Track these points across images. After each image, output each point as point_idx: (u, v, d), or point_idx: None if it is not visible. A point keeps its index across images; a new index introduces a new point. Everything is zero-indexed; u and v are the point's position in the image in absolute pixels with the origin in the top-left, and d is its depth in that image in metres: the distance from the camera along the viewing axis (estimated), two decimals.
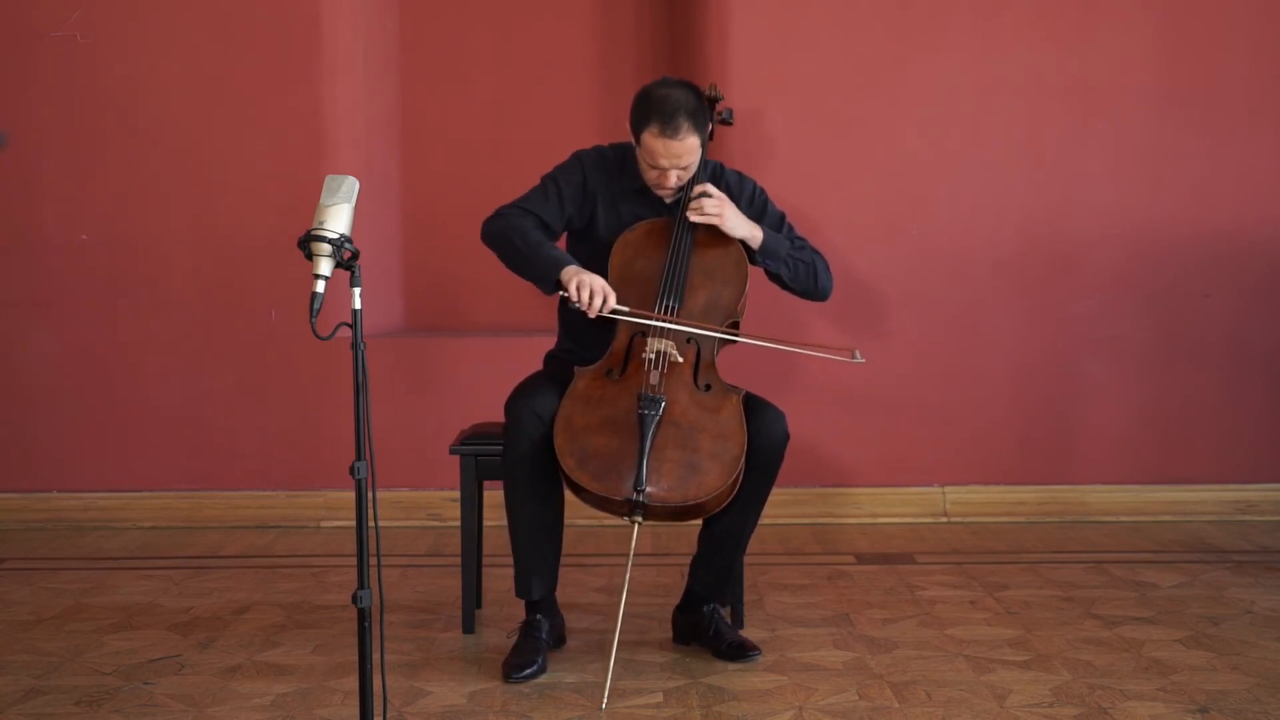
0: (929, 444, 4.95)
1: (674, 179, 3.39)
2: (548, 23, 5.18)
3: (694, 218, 3.38)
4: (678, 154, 3.34)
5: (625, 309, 3.30)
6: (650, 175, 3.42)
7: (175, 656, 3.46)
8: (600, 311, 3.26)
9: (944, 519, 4.94)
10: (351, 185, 2.69)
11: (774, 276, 3.52)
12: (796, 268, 3.48)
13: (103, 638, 3.62)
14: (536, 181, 3.54)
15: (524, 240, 3.39)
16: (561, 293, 3.32)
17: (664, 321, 3.32)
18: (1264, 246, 4.89)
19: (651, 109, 3.33)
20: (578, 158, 3.54)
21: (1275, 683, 3.21)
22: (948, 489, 4.96)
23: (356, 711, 2.79)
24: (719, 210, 3.38)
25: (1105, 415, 4.95)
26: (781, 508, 4.84)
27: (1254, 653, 3.42)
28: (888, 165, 4.90)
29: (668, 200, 3.48)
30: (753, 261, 3.46)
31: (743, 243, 3.44)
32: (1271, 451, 4.95)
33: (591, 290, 3.26)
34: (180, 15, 4.84)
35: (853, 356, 3.40)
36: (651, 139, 3.33)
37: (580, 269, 3.31)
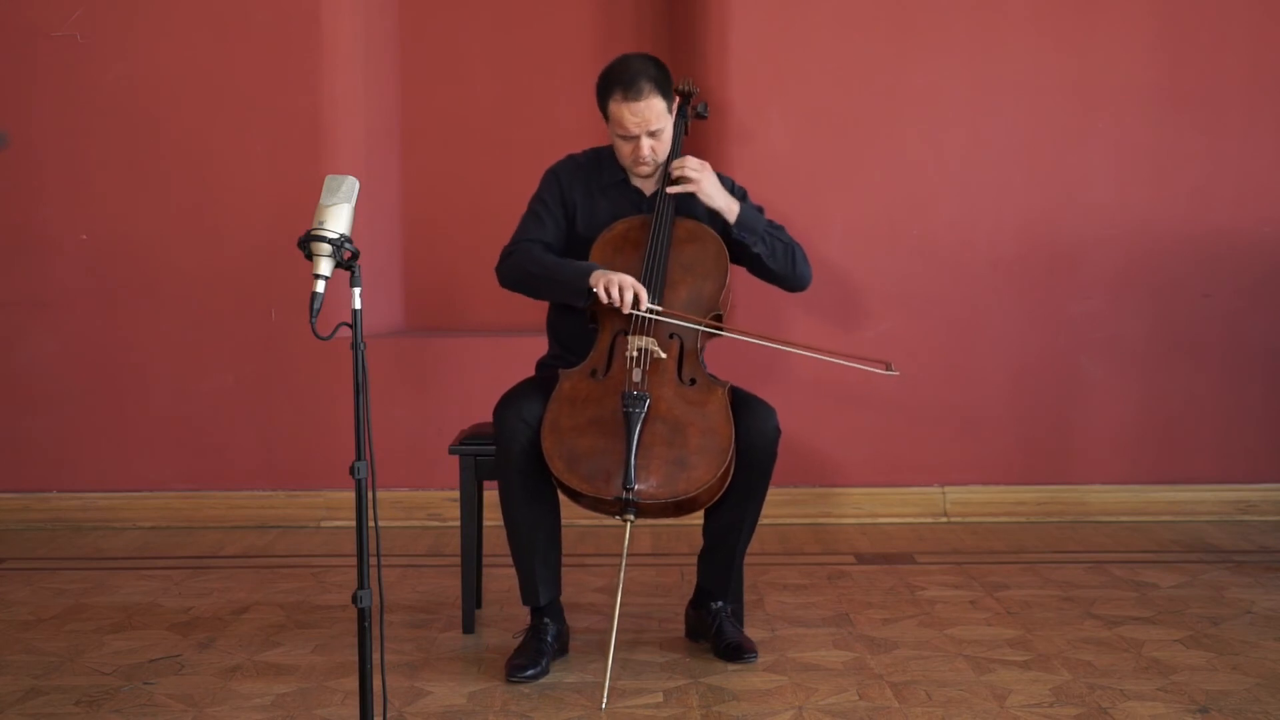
0: (929, 444, 4.95)
1: (647, 149, 3.40)
2: (547, 22, 5.18)
3: (673, 189, 3.40)
4: (643, 116, 3.37)
5: (660, 308, 3.30)
6: (624, 151, 3.45)
7: (175, 656, 3.46)
8: (634, 308, 3.26)
9: (944, 519, 4.94)
10: (351, 185, 2.69)
11: (753, 260, 3.50)
12: (774, 246, 3.47)
13: (103, 638, 3.62)
14: (534, 188, 3.57)
15: (541, 266, 3.41)
16: (594, 296, 3.28)
17: (704, 326, 3.32)
18: (1264, 246, 4.90)
19: (613, 78, 3.40)
20: (551, 172, 3.58)
21: (1275, 683, 3.21)
22: (948, 489, 4.96)
23: (356, 711, 2.79)
24: (698, 175, 3.40)
25: (1105, 415, 4.95)
26: (781, 507, 4.84)
27: (1254, 653, 3.42)
28: (888, 165, 4.90)
29: (644, 173, 3.47)
30: (729, 241, 3.45)
31: (720, 219, 3.44)
32: (1271, 451, 4.95)
33: (621, 287, 3.26)
34: (179, 15, 4.84)
35: (888, 369, 3.38)
36: (617, 106, 3.38)
37: (606, 270, 3.31)
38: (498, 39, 5.21)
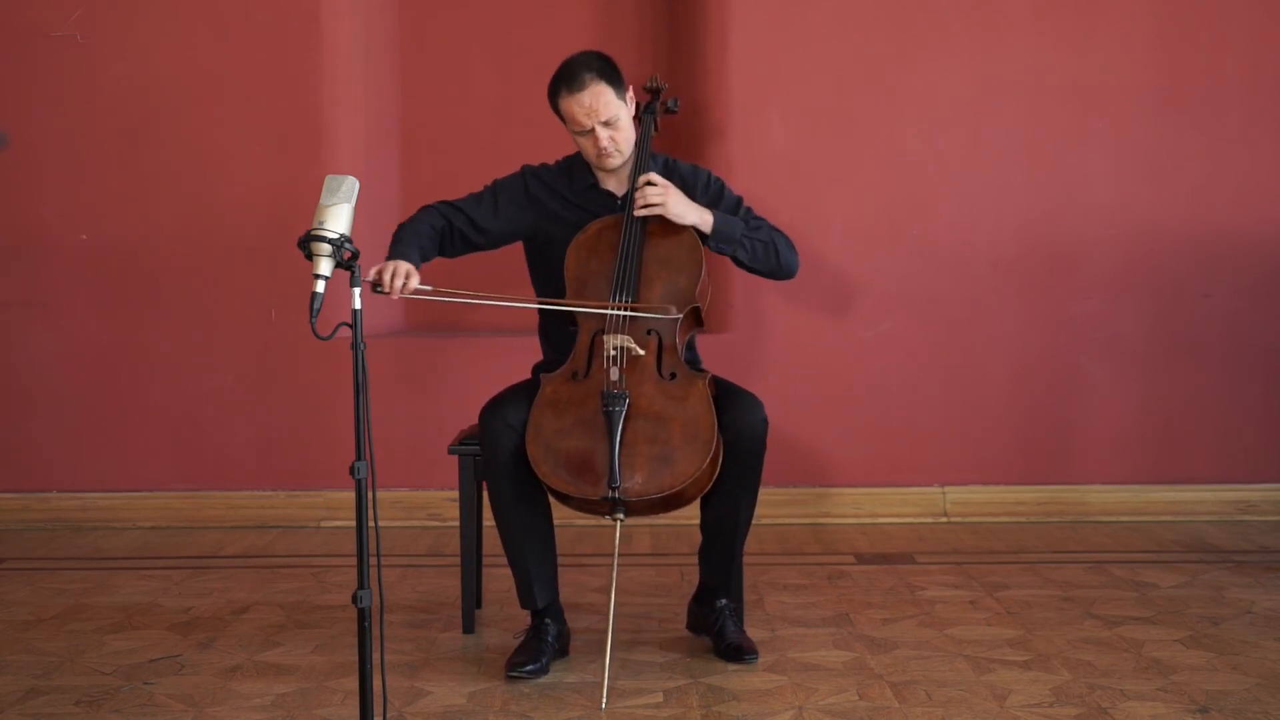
0: (929, 444, 4.95)
1: (605, 138, 3.40)
2: (547, 22, 5.18)
3: (639, 212, 3.38)
4: (590, 106, 3.38)
5: (429, 288, 3.28)
6: (587, 149, 3.46)
7: (175, 656, 3.46)
8: (402, 292, 3.22)
9: (944, 519, 4.94)
10: (351, 185, 2.69)
11: (736, 261, 3.50)
12: (754, 248, 3.46)
13: (103, 638, 3.62)
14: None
15: (400, 231, 3.44)
16: (365, 278, 3.24)
17: (484, 298, 3.34)
18: (1264, 246, 4.89)
19: (557, 79, 3.44)
20: (522, 169, 3.61)
21: (1275, 683, 3.21)
22: (948, 489, 4.96)
23: (356, 711, 2.79)
24: (662, 198, 3.37)
25: (1105, 415, 4.95)
26: (781, 507, 4.84)
27: (1254, 653, 3.42)
28: (888, 165, 4.90)
29: (611, 165, 3.46)
30: (708, 247, 3.44)
31: (696, 230, 3.43)
32: (1271, 451, 4.95)
33: (394, 273, 3.23)
34: (180, 15, 4.84)
35: (668, 313, 3.34)
36: (565, 103, 3.41)
37: (401, 260, 3.28)
38: (498, 39, 5.21)
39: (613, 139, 3.42)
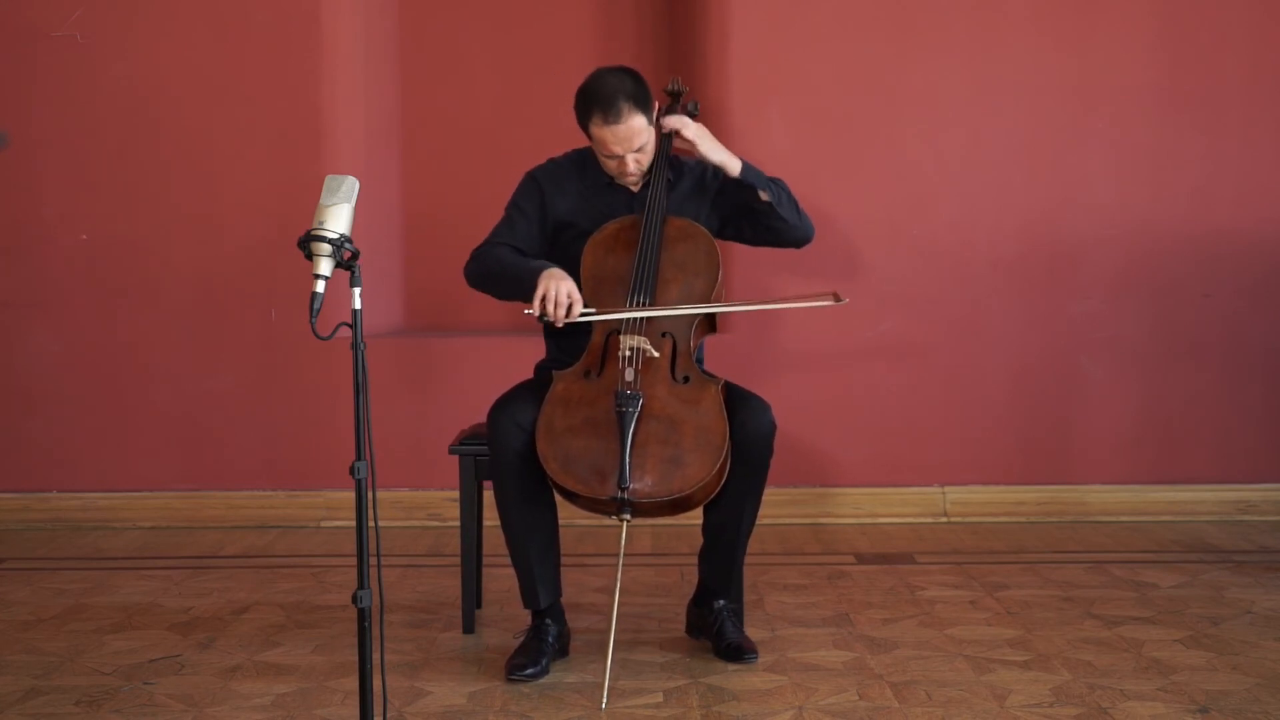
0: (929, 444, 4.95)
1: (631, 163, 3.42)
2: (547, 22, 5.18)
3: (679, 142, 3.44)
4: (626, 138, 3.37)
5: (594, 310, 3.29)
6: (610, 166, 3.46)
7: (175, 656, 3.46)
8: (568, 319, 3.26)
9: (944, 519, 4.94)
10: (351, 185, 2.69)
11: (759, 219, 3.49)
12: (780, 195, 3.49)
13: (103, 638, 3.62)
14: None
15: (501, 265, 3.42)
16: (528, 313, 3.30)
17: (638, 312, 3.31)
18: (1264, 246, 4.89)
19: (591, 101, 3.38)
20: (530, 176, 3.58)
21: (1275, 683, 3.21)
22: (948, 489, 4.96)
23: (356, 711, 2.79)
24: (696, 136, 3.43)
25: (1105, 415, 4.95)
26: (781, 508, 4.84)
27: (1254, 653, 3.42)
28: (888, 165, 4.90)
29: (634, 187, 3.50)
30: (737, 204, 3.45)
31: (722, 172, 3.46)
32: (1271, 451, 4.95)
33: (556, 301, 3.25)
34: (180, 15, 4.84)
35: (836, 299, 3.37)
36: (598, 130, 3.38)
37: (552, 275, 3.29)
38: (498, 39, 5.22)
39: (638, 161, 3.43)
